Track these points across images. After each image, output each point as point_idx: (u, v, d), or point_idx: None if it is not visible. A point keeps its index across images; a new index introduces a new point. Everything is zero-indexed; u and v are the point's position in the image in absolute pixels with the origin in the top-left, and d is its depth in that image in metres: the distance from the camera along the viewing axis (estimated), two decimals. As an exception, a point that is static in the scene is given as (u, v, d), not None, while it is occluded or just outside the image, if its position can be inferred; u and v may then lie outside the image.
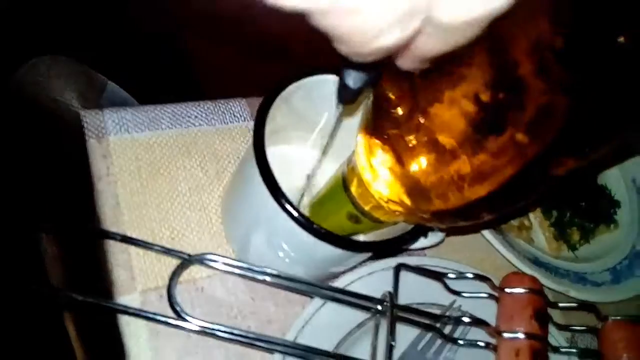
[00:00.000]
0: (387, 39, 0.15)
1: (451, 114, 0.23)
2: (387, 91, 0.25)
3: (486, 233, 0.43)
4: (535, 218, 0.50)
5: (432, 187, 0.25)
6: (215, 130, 0.43)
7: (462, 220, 0.28)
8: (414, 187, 0.26)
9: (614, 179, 0.55)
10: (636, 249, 0.50)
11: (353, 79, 0.22)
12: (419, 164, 0.25)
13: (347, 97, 0.24)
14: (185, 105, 0.43)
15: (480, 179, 0.24)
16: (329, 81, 0.34)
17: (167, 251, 0.33)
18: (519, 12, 0.19)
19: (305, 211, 0.36)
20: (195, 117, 0.43)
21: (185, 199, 0.39)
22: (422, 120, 0.24)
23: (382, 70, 0.23)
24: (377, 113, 0.27)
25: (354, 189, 0.30)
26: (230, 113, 0.44)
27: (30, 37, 0.54)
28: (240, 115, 0.44)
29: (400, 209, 0.28)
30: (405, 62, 0.18)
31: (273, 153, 0.30)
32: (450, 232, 0.39)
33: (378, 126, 0.27)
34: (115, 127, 0.39)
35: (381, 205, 0.29)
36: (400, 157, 0.25)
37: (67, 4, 0.60)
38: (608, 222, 0.52)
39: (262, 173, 0.29)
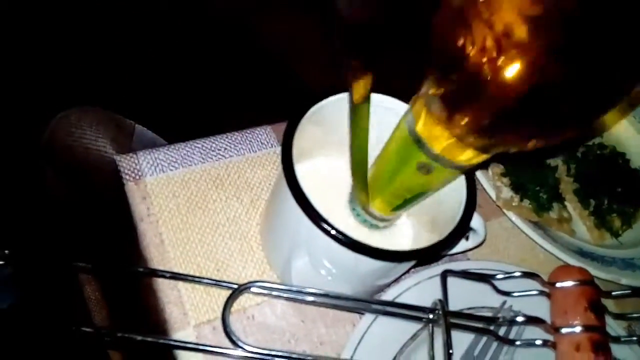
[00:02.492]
0: None
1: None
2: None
3: (527, 230, 0.43)
4: (574, 209, 0.50)
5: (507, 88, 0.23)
6: (245, 160, 0.44)
7: (535, 133, 0.26)
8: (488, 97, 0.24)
9: (647, 160, 0.54)
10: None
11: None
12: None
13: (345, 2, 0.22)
14: (214, 138, 0.44)
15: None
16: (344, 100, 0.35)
17: (216, 283, 0.33)
18: None
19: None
20: (225, 149, 0.43)
21: (225, 230, 0.40)
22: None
23: None
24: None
25: (421, 128, 0.28)
26: (258, 141, 0.45)
27: (56, 91, 0.56)
28: (267, 142, 0.45)
29: (472, 132, 0.26)
30: None
31: (304, 172, 0.31)
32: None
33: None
34: (150, 168, 0.40)
35: (455, 139, 0.27)
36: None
37: (85, 57, 0.62)
38: (648, 204, 0.51)
39: (294, 195, 0.30)
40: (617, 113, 0.56)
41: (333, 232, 0.29)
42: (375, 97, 0.35)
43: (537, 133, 0.26)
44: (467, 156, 0.28)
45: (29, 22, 0.66)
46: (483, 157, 0.28)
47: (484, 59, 0.23)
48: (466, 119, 0.26)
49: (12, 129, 0.56)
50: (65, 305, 0.63)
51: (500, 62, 0.23)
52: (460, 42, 0.24)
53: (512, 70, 0.23)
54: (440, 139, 0.27)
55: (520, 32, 0.22)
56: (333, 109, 0.35)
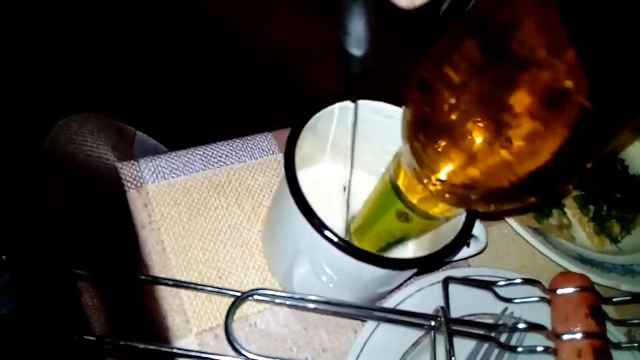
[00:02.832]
0: None
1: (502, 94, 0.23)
2: (434, 79, 0.26)
3: (527, 236, 0.43)
4: (573, 215, 0.50)
5: (481, 165, 0.25)
6: (246, 167, 0.44)
7: (508, 199, 0.28)
8: (463, 166, 0.26)
9: (645, 166, 0.54)
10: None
11: (356, 44, 0.22)
12: (468, 142, 0.25)
13: (355, 68, 0.23)
14: (215, 145, 0.44)
15: (530, 154, 0.24)
16: (349, 107, 0.35)
17: (219, 291, 0.33)
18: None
19: (353, 223, 0.36)
20: (226, 156, 0.44)
21: (227, 237, 0.40)
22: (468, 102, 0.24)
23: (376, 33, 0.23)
24: (422, 102, 0.27)
25: (401, 181, 0.30)
26: (259, 148, 0.45)
27: (55, 98, 0.56)
28: (269, 149, 0.45)
29: (447, 191, 0.28)
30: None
31: (305, 179, 0.31)
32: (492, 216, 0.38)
33: (424, 115, 0.27)
34: (152, 175, 0.40)
35: (429, 193, 0.29)
36: (450, 137, 0.25)
37: (87, 64, 0.62)
38: (647, 210, 0.52)
39: (297, 202, 0.30)
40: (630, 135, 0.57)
41: (336, 239, 0.29)
42: (378, 105, 0.36)
43: (499, 202, 0.28)
44: (441, 209, 0.30)
45: (28, 29, 0.66)
46: (456, 211, 0.31)
47: (454, 138, 0.25)
48: (437, 183, 0.28)
49: (12, 136, 0.56)
50: (64, 312, 0.63)
51: (467, 141, 0.24)
52: (431, 115, 0.26)
53: (476, 149, 0.24)
54: (416, 192, 0.30)
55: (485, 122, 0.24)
56: (334, 117, 0.36)
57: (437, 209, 0.30)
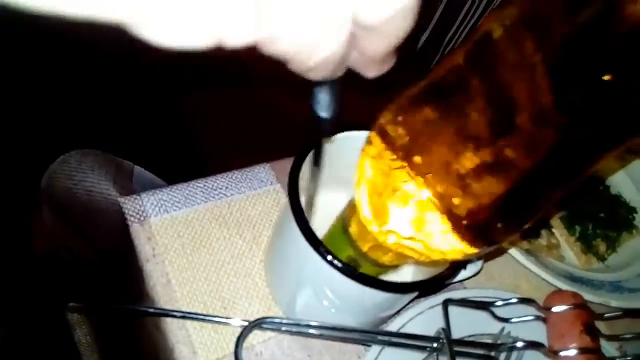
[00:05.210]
0: (326, 50, 0.17)
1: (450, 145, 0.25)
2: (387, 129, 0.27)
3: (520, 257, 0.45)
4: (560, 235, 0.52)
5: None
6: (246, 198, 0.45)
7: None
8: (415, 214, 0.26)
9: (626, 187, 0.57)
10: (662, 250, 0.52)
11: (324, 107, 0.24)
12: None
13: (325, 128, 0.25)
14: (215, 178, 0.45)
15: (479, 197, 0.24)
16: (349, 137, 0.37)
17: (227, 321, 0.34)
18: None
19: None
20: (226, 187, 0.45)
21: (230, 267, 0.40)
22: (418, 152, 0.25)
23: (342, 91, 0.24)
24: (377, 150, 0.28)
25: (353, 228, 0.31)
26: (258, 179, 0.46)
27: (55, 135, 0.57)
28: (267, 180, 0.47)
29: (398, 240, 0.28)
30: (366, 70, 0.21)
31: (305, 208, 0.32)
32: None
33: (379, 162, 0.28)
34: (154, 209, 0.41)
35: (379, 243, 0.29)
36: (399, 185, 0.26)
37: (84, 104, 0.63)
38: (629, 228, 0.54)
39: (302, 230, 0.31)
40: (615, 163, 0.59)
41: (341, 265, 0.30)
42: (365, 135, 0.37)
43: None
44: (390, 258, 0.31)
45: (22, 67, 0.67)
46: (404, 260, 0.32)
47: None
48: (386, 234, 0.28)
49: (9, 174, 0.56)
50: (54, 347, 0.62)
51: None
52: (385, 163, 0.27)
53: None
54: (366, 240, 0.30)
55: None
56: (333, 147, 0.37)
57: (386, 257, 0.31)
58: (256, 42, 0.16)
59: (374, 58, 0.19)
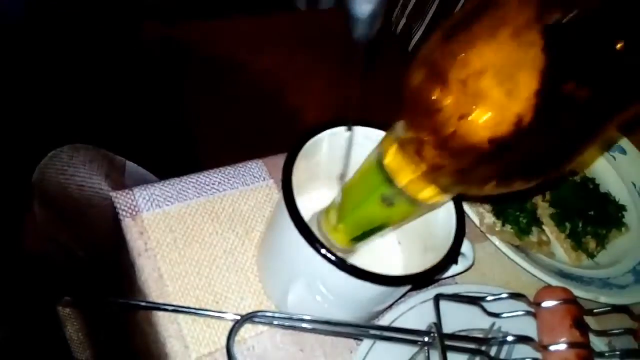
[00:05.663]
0: None
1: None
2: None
3: (510, 253, 0.45)
4: (551, 232, 0.52)
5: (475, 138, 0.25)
6: (238, 193, 0.45)
7: (497, 180, 0.28)
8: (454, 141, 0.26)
9: (615, 185, 0.58)
10: (651, 248, 0.52)
11: (361, 8, 0.21)
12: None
13: (362, 30, 0.23)
14: (207, 173, 0.45)
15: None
16: (339, 134, 0.37)
17: (219, 315, 0.34)
18: None
19: (324, 215, 0.36)
20: (219, 183, 0.45)
21: (222, 262, 0.40)
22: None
23: None
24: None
25: (389, 160, 0.30)
26: (250, 174, 0.46)
27: (45, 130, 0.57)
28: (260, 175, 0.47)
29: (438, 169, 0.27)
30: None
31: (299, 204, 0.32)
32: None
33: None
34: (146, 203, 0.41)
35: (419, 173, 0.28)
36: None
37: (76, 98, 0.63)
38: (619, 226, 0.54)
39: (296, 225, 0.31)
40: (596, 151, 0.60)
41: (334, 258, 0.30)
42: (368, 131, 0.37)
43: (497, 179, 0.28)
44: (428, 194, 0.30)
45: (13, 64, 0.67)
46: (443, 196, 0.31)
47: (456, 113, 0.25)
48: (431, 161, 0.27)
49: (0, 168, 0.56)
50: (46, 346, 0.62)
51: (471, 117, 0.25)
52: (434, 95, 0.26)
53: (481, 124, 0.24)
54: (404, 174, 0.29)
55: (494, 93, 0.24)
56: (324, 144, 0.37)
57: (425, 193, 0.30)
58: None
59: None
